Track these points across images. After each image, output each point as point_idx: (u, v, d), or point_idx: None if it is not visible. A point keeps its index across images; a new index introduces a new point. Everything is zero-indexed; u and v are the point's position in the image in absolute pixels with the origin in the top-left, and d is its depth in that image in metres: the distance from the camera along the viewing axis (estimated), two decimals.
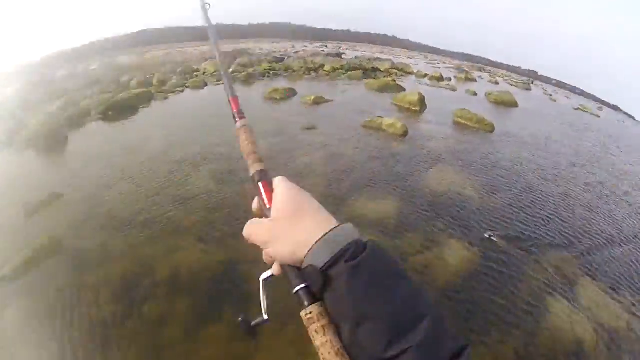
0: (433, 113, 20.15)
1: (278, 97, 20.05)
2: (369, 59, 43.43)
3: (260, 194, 0.96)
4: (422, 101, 20.71)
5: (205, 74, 29.06)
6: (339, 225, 0.79)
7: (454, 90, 33.07)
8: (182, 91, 23.37)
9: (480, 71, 70.99)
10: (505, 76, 72.51)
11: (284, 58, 38.86)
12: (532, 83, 71.26)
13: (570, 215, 10.61)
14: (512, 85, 55.34)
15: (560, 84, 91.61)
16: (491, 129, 18.44)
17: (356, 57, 44.20)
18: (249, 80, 26.34)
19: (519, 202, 10.61)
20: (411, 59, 73.16)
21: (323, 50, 50.67)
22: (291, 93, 21.15)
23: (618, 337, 6.33)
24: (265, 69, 30.04)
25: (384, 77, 33.14)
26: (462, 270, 7.11)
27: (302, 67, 32.69)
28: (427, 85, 33.38)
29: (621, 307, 7.10)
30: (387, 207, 8.95)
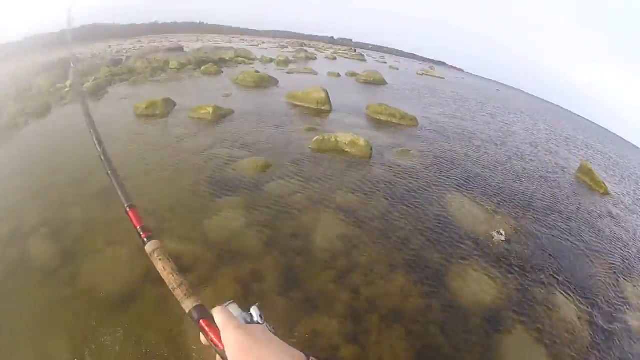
0: (344, 111, 17.47)
1: (158, 113, 14.52)
2: (211, 49, 39.02)
3: (206, 334, 0.91)
4: (328, 98, 17.65)
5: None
6: None
7: (315, 74, 31.24)
8: None
9: (302, 47, 71.10)
10: (332, 49, 73.85)
11: (122, 59, 31.71)
12: (356, 52, 74.28)
13: None
14: (347, 58, 56.66)
15: (377, 48, 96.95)
16: (415, 122, 16.98)
17: (198, 49, 38.89)
18: (98, 91, 18.94)
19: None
20: (230, 43, 69.85)
21: (163, 45, 43.26)
22: (170, 105, 15.54)
23: None
24: (107, 76, 22.57)
25: (235, 66, 30.78)
26: None
27: (147, 67, 26.30)
28: (284, 71, 30.82)
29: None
30: (488, 285, 6.62)
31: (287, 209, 8.03)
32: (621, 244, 10.21)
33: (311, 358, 0.76)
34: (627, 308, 7.33)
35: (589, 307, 6.89)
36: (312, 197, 8.65)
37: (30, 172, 9.22)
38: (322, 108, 17.27)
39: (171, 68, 27.22)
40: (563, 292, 7.06)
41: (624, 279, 8.44)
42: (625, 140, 59.57)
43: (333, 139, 11.75)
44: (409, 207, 8.82)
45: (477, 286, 6.59)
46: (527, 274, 7.25)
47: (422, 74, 50.23)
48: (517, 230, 8.88)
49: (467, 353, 5.37)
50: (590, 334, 6.21)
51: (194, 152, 10.71)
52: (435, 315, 5.82)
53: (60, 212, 7.37)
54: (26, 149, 11.15)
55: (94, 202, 7.62)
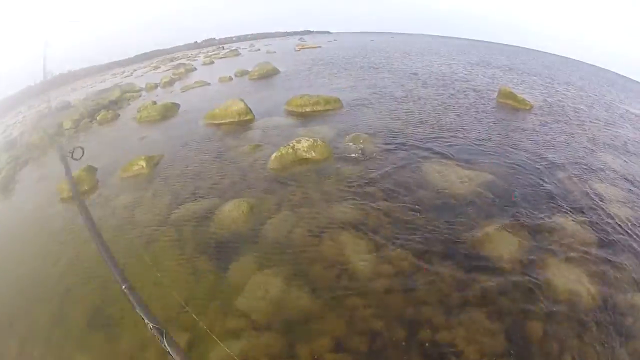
0: (267, 114, 16.52)
1: (87, 188, 12.00)
2: (95, 94, 35.31)
3: None
4: (247, 106, 16.53)
5: None
6: None
7: (208, 84, 29.15)
8: None
9: (172, 61, 67.24)
10: (202, 54, 70.40)
11: (16, 138, 26.70)
12: (224, 48, 72.06)
13: None
14: (222, 58, 54.66)
15: (241, 38, 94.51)
16: (339, 103, 16.66)
17: (84, 99, 34.55)
18: (9, 184, 15.93)
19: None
20: (104, 83, 63.48)
21: (44, 108, 37.37)
22: (92, 172, 12.82)
23: None
24: (9, 162, 18.22)
25: (128, 104, 28.12)
26: None
27: (43, 138, 21.54)
28: (177, 92, 28.54)
29: None
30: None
31: (307, 250, 7.19)
32: None
33: None
34: None
35: None
36: (317, 224, 7.89)
37: None
38: (246, 118, 16.20)
39: (67, 129, 23.81)
40: None
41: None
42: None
43: (291, 151, 10.91)
44: (415, 206, 8.34)
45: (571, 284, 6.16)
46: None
47: (299, 49, 50.09)
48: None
49: None
50: None
51: (159, 222, 9.05)
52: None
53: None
54: None
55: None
